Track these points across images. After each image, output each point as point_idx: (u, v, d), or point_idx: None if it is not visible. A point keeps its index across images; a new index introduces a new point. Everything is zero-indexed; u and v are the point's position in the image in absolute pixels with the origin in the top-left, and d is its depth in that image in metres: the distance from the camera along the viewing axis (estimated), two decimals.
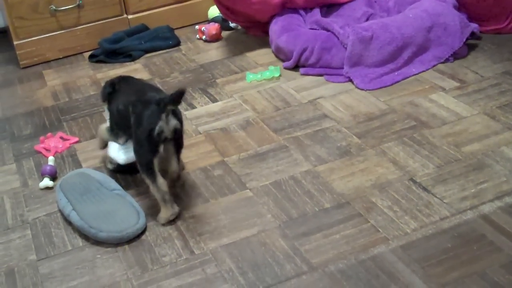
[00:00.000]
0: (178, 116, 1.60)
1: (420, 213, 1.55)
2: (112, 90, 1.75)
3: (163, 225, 1.61)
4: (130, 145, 1.66)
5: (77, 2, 2.66)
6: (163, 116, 1.54)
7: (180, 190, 1.74)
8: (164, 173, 1.64)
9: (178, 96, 1.53)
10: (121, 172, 1.85)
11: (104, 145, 1.86)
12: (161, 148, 1.57)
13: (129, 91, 1.69)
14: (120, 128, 1.71)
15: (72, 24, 2.70)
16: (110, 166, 1.87)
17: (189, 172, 1.81)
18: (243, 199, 1.68)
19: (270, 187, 1.70)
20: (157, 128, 1.54)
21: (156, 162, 1.57)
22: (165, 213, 1.61)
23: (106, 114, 1.80)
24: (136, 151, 1.59)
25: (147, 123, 1.54)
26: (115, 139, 1.76)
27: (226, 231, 1.56)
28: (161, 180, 1.58)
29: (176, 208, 1.62)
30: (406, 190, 1.63)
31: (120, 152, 1.79)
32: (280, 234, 1.53)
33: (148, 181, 1.59)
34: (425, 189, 1.63)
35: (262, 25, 2.61)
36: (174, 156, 1.66)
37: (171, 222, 1.61)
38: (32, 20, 2.63)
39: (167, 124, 1.55)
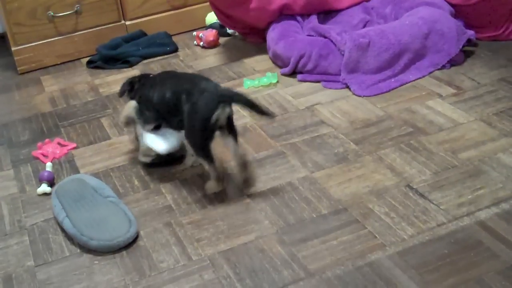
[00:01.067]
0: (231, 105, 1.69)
1: (417, 219, 1.55)
2: (131, 89, 1.86)
3: (210, 193, 1.74)
4: (168, 134, 1.78)
5: (75, 9, 2.67)
6: (221, 105, 1.63)
7: (178, 196, 1.74)
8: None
9: (250, 106, 1.66)
10: (156, 166, 1.86)
11: (127, 123, 1.88)
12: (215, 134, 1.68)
13: (177, 81, 1.76)
14: (158, 116, 1.78)
15: (70, 30, 2.70)
16: (145, 159, 1.87)
17: (187, 179, 1.82)
18: (241, 205, 1.68)
19: (268, 193, 1.71)
20: (214, 117, 1.62)
21: (211, 146, 1.68)
22: (216, 187, 1.73)
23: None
24: (191, 137, 1.68)
25: (206, 111, 1.62)
26: (143, 124, 1.82)
27: (224, 237, 1.57)
28: (218, 162, 1.71)
29: (222, 187, 1.74)
30: (403, 197, 1.64)
31: (159, 142, 1.81)
32: (277, 240, 1.53)
33: (205, 163, 1.70)
34: (422, 195, 1.63)
35: (259, 31, 2.62)
36: (233, 142, 1.73)
37: (169, 227, 1.62)
38: (30, 26, 2.64)
39: (222, 113, 1.64)
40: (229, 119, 1.69)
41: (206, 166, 1.71)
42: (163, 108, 1.75)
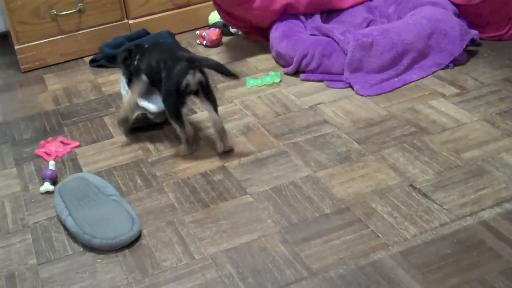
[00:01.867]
0: (204, 72, 1.85)
1: (420, 219, 1.55)
2: (128, 55, 2.03)
3: (181, 156, 1.92)
4: (157, 98, 1.96)
5: (78, 7, 2.67)
6: (191, 71, 1.80)
7: (181, 195, 1.74)
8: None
9: (216, 69, 1.85)
10: (137, 130, 2.05)
11: (132, 110, 2.02)
12: (188, 99, 1.86)
13: (159, 50, 1.93)
14: (150, 82, 1.95)
15: (73, 28, 2.70)
16: (125, 125, 2.05)
17: (190, 177, 1.82)
18: (243, 204, 1.68)
19: (270, 193, 1.71)
20: (184, 82, 1.79)
21: (182, 111, 1.85)
22: (184, 150, 1.91)
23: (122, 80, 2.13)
24: (165, 101, 1.85)
25: (176, 77, 1.80)
26: (135, 87, 1.99)
27: (227, 236, 1.57)
28: (188, 126, 1.89)
29: (191, 151, 1.91)
30: (406, 196, 1.64)
31: (150, 104, 2.02)
32: (280, 240, 1.53)
33: (176, 126, 1.87)
34: (425, 195, 1.63)
35: (262, 30, 2.62)
36: (210, 108, 1.88)
37: (172, 226, 1.62)
38: (33, 25, 2.64)
39: (193, 78, 1.81)
40: (204, 85, 1.85)
41: (178, 129, 1.88)
42: (150, 74, 1.92)
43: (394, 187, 1.68)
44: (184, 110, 1.88)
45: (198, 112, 2.17)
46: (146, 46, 2.03)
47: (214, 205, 1.69)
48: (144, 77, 1.95)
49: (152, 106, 2.02)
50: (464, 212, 1.56)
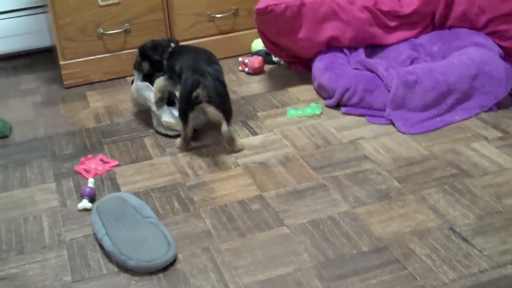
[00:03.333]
0: (218, 87, 2.05)
1: (459, 263, 1.52)
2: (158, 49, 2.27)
3: (177, 147, 2.15)
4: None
5: (124, 27, 2.70)
6: (201, 86, 2.02)
7: (218, 221, 1.74)
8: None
9: (216, 104, 2.05)
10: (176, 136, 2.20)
11: (161, 97, 2.21)
12: (197, 106, 2.08)
13: (188, 57, 2.14)
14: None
15: (118, 48, 2.74)
16: (172, 132, 2.21)
17: (227, 204, 1.82)
18: (280, 235, 1.67)
19: (308, 226, 1.70)
20: (194, 93, 2.02)
21: (190, 114, 2.07)
22: (180, 143, 2.15)
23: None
24: (179, 102, 2.09)
25: (188, 88, 2.03)
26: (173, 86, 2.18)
27: (262, 267, 1.56)
28: (190, 127, 2.10)
29: (186, 149, 2.15)
30: (445, 239, 1.61)
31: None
32: (316, 275, 1.52)
33: (180, 124, 2.10)
34: (464, 239, 1.61)
35: (305, 61, 2.63)
36: (222, 118, 2.06)
37: (208, 253, 1.62)
38: (80, 42, 2.68)
39: (203, 92, 2.02)
40: (213, 98, 2.03)
41: (181, 126, 2.10)
42: (173, 74, 2.15)
43: (433, 229, 1.66)
44: (194, 113, 2.08)
45: (238, 139, 2.17)
46: (179, 46, 2.26)
47: (250, 235, 1.68)
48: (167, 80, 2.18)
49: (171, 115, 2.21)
50: (504, 260, 1.53)
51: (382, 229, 1.67)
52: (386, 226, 1.68)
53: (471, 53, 2.31)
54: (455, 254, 1.56)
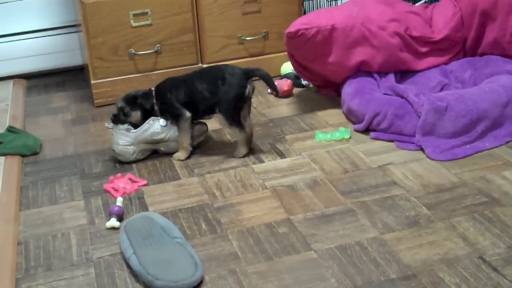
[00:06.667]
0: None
1: None
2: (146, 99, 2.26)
3: (241, 157, 2.21)
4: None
5: (156, 48, 2.73)
6: (248, 81, 2.14)
7: (245, 244, 1.73)
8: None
9: (264, 78, 2.20)
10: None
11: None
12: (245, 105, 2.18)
13: (208, 74, 2.22)
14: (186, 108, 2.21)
15: (149, 68, 2.77)
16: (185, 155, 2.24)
17: (254, 227, 1.81)
18: (307, 260, 1.66)
19: (335, 251, 1.69)
20: (246, 91, 2.14)
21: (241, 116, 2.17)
22: (243, 150, 2.21)
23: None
24: (228, 111, 2.15)
25: (239, 88, 2.13)
26: (181, 120, 2.21)
27: None
28: (247, 128, 2.19)
29: (248, 150, 2.22)
30: (475, 268, 1.59)
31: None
32: None
33: (237, 129, 2.17)
34: (495, 269, 1.58)
35: (334, 85, 2.63)
36: (247, 115, 2.20)
37: (234, 275, 1.61)
38: (111, 62, 2.71)
39: (251, 86, 2.16)
40: (270, 81, 2.21)
41: (238, 132, 2.17)
42: (196, 100, 2.19)
43: (463, 257, 1.63)
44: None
45: (266, 161, 2.17)
46: (166, 83, 2.28)
47: (277, 258, 1.67)
48: (186, 112, 2.19)
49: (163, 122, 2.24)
50: None
51: (410, 256, 1.65)
52: (414, 253, 1.66)
53: (503, 81, 2.29)
54: (485, 284, 1.53)
